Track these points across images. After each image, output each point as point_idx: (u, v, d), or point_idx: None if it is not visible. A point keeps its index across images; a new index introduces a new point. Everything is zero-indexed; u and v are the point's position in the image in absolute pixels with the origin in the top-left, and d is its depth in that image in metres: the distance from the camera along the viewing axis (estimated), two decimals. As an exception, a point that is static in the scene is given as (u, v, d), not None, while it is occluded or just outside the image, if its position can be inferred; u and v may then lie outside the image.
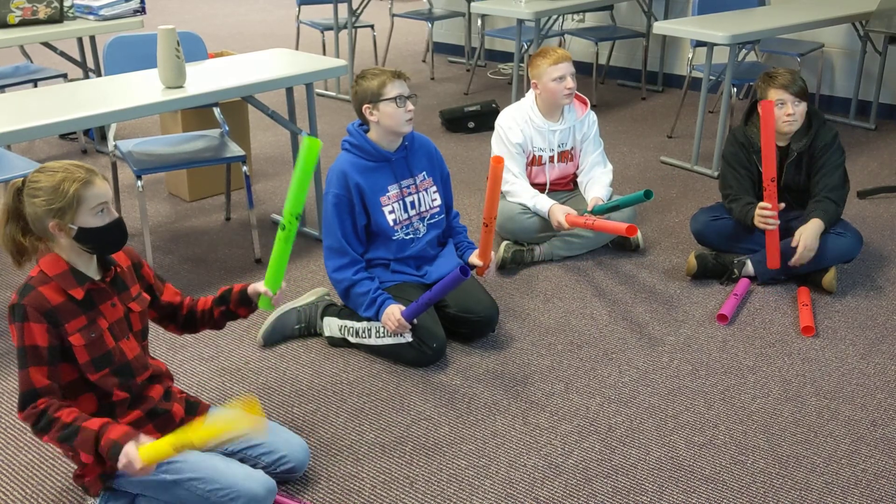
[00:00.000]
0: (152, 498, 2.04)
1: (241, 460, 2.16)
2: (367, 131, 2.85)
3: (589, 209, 3.38)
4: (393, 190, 2.86)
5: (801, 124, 3.18)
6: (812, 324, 2.95)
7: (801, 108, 3.14)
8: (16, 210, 1.93)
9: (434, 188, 2.97)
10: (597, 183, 3.51)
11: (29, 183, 1.90)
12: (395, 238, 2.87)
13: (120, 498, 2.05)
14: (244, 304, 2.22)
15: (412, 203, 2.91)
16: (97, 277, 2.00)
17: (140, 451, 1.82)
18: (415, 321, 2.72)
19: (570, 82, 3.39)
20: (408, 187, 2.90)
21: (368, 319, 2.79)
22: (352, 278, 2.79)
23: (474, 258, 2.97)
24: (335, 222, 2.79)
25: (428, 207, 2.95)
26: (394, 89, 2.74)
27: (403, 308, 2.70)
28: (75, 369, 1.96)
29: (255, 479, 2.01)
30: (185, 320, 2.25)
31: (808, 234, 3.09)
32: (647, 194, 3.02)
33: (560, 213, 3.32)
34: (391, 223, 2.85)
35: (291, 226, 2.12)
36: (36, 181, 1.89)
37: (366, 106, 2.78)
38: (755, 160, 3.24)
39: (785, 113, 3.12)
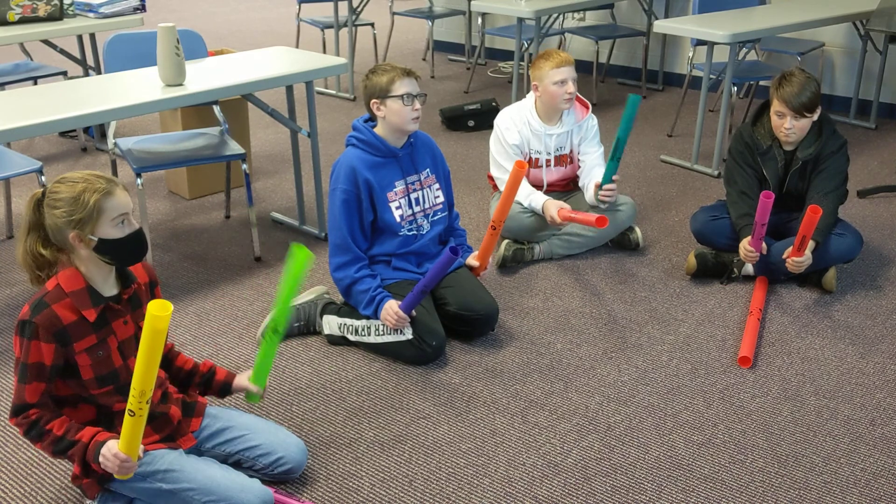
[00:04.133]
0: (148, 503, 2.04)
1: (238, 462, 2.17)
2: (373, 127, 2.85)
3: (597, 185, 3.36)
4: (399, 186, 2.86)
5: (801, 137, 3.15)
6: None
7: (803, 122, 3.09)
8: (36, 221, 1.91)
9: (437, 185, 2.98)
10: (596, 175, 3.47)
11: (49, 193, 1.89)
12: (400, 234, 2.87)
13: (117, 500, 2.05)
14: (222, 393, 2.26)
15: (417, 199, 2.91)
16: (114, 292, 1.98)
17: (119, 444, 1.84)
18: (413, 313, 2.72)
19: (571, 87, 3.38)
20: (413, 183, 2.90)
21: (368, 317, 2.79)
22: (353, 276, 2.79)
23: (472, 259, 2.98)
24: (342, 219, 2.79)
25: (432, 204, 2.96)
26: (402, 87, 2.74)
27: (400, 302, 2.71)
28: (77, 384, 1.96)
29: (252, 491, 2.00)
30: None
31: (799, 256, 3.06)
32: (634, 100, 3.04)
33: (553, 207, 3.32)
34: (398, 219, 2.85)
35: (283, 328, 2.17)
36: (56, 192, 1.88)
37: (374, 101, 2.78)
38: (760, 162, 3.23)
39: (783, 125, 3.10)
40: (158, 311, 1.64)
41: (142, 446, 1.87)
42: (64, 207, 1.86)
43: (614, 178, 3.33)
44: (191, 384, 2.24)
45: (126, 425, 1.79)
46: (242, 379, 2.24)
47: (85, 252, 1.91)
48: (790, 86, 3.06)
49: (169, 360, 2.24)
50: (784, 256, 3.07)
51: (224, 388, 2.25)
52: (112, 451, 1.84)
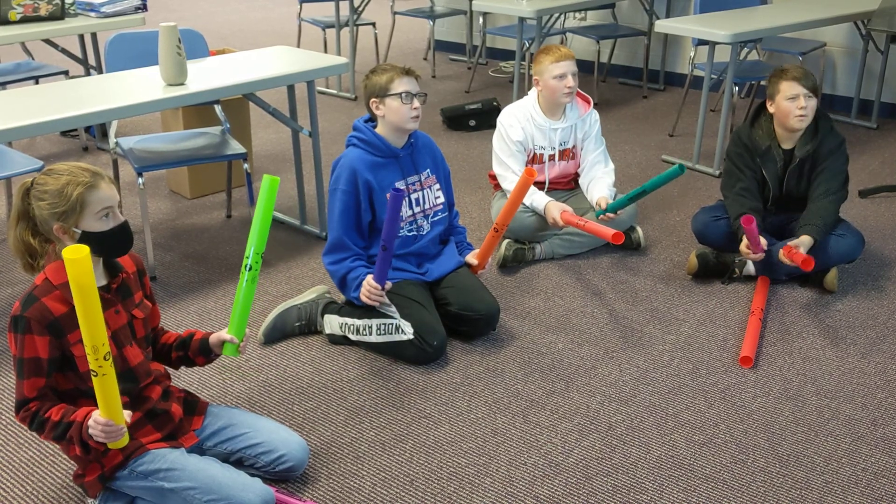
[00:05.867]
0: (150, 502, 2.04)
1: (240, 460, 2.16)
2: (374, 127, 2.86)
3: (602, 208, 3.35)
4: (399, 186, 2.86)
5: (810, 120, 3.14)
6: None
7: (813, 103, 3.11)
8: (24, 211, 1.92)
9: (437, 186, 2.98)
10: (599, 183, 3.50)
11: (36, 185, 1.90)
12: (399, 235, 2.87)
13: (118, 499, 2.05)
14: (203, 354, 2.19)
15: (417, 200, 2.91)
16: (103, 283, 1.99)
17: (99, 409, 1.82)
18: (388, 285, 2.69)
19: (571, 81, 3.39)
20: (413, 184, 2.90)
21: (369, 317, 2.79)
22: (349, 266, 2.80)
23: (471, 257, 3.00)
24: (340, 218, 2.80)
25: (432, 205, 2.96)
26: (401, 85, 2.75)
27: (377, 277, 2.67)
28: (76, 377, 1.96)
29: (253, 490, 1.99)
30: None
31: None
32: (681, 168, 2.96)
33: (556, 210, 3.32)
34: None
35: (258, 265, 2.09)
36: (42, 183, 1.89)
37: (373, 100, 2.79)
38: (759, 163, 3.23)
39: (797, 106, 3.08)
40: (73, 254, 1.59)
41: (128, 413, 1.86)
42: (48, 199, 1.87)
43: (619, 212, 3.33)
44: (170, 352, 2.21)
45: (96, 388, 1.77)
46: (221, 333, 2.16)
47: (70, 244, 1.91)
48: (795, 69, 3.12)
49: (155, 338, 2.23)
50: (781, 256, 3.06)
51: (203, 347, 2.17)
52: (94, 418, 1.83)
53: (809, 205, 3.18)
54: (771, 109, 3.19)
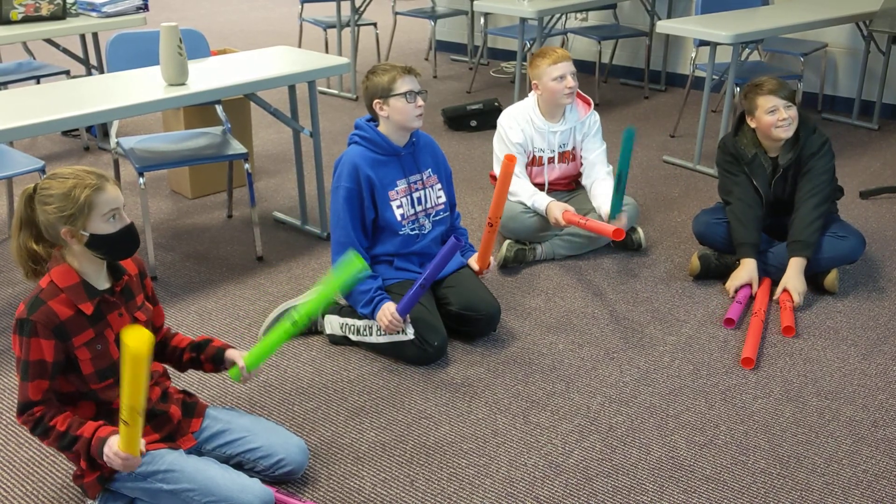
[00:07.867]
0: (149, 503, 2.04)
1: (239, 464, 2.16)
2: (376, 126, 2.86)
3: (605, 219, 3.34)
4: (401, 184, 2.87)
5: (795, 127, 3.13)
6: (793, 324, 2.94)
7: (793, 111, 3.10)
8: (28, 217, 1.92)
9: (439, 185, 2.98)
10: (601, 186, 3.46)
11: (40, 190, 1.90)
12: (401, 233, 2.87)
13: (118, 500, 2.05)
14: (214, 362, 2.20)
15: (419, 199, 2.91)
16: (107, 286, 1.99)
17: (119, 445, 1.83)
18: (408, 317, 2.72)
19: (571, 81, 3.39)
20: (415, 183, 2.90)
21: (367, 317, 2.79)
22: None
23: (472, 262, 2.99)
24: (346, 216, 2.79)
25: (433, 204, 2.96)
26: (404, 85, 2.75)
27: (397, 305, 2.70)
28: (78, 379, 1.96)
29: (252, 492, 1.99)
30: (155, 348, 2.23)
31: (793, 283, 3.07)
32: (629, 133, 2.96)
33: (557, 210, 3.32)
34: (399, 218, 2.85)
35: (303, 325, 2.19)
36: (47, 188, 1.89)
37: (376, 101, 2.79)
38: (747, 171, 3.22)
39: (778, 118, 3.08)
40: (134, 342, 1.60)
41: (143, 440, 1.87)
42: (55, 203, 1.87)
43: (622, 213, 3.29)
44: (183, 353, 2.21)
45: (122, 432, 1.79)
46: (236, 353, 2.18)
47: (77, 247, 1.92)
48: (769, 82, 3.12)
49: (164, 344, 2.23)
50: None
51: (217, 357, 2.19)
52: (113, 450, 1.84)
53: (795, 212, 3.16)
54: (752, 125, 3.18)
